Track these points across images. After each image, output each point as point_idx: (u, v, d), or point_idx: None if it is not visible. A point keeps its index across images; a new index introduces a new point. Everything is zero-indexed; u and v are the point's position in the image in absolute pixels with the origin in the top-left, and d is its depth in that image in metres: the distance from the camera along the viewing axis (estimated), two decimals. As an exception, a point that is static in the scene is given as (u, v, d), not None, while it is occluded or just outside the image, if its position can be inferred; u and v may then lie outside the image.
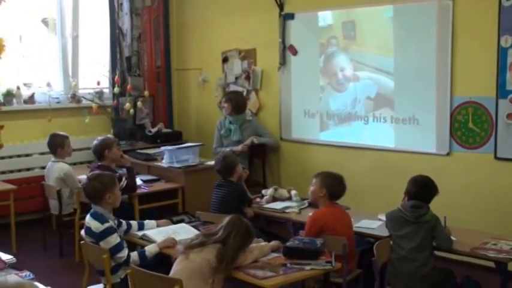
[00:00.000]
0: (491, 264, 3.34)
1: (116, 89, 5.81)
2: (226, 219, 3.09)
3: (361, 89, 5.10)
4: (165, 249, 3.33)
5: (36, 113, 5.65)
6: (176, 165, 5.06)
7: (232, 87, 6.04)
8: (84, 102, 5.94)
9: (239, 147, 5.38)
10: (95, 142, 4.66)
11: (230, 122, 5.54)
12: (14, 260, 2.98)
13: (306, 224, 3.59)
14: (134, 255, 3.27)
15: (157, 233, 3.53)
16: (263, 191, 4.53)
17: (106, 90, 6.18)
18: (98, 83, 6.01)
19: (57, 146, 4.94)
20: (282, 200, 4.40)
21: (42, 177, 5.11)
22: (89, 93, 6.05)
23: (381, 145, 5.01)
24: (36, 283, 1.83)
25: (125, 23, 6.20)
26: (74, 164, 5.18)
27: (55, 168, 4.88)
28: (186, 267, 2.92)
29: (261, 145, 5.61)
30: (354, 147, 5.17)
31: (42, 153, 5.49)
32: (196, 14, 6.39)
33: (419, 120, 4.73)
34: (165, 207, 4.79)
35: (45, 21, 6.00)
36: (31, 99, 5.68)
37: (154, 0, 6.42)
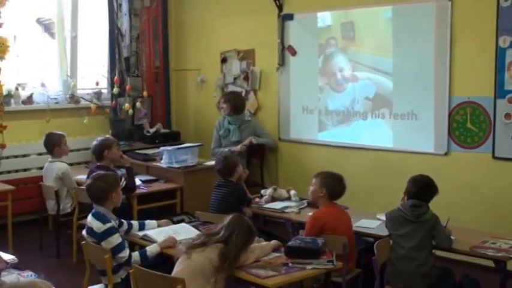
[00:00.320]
0: (490, 264, 3.36)
1: (115, 90, 5.81)
2: (228, 218, 3.10)
3: (359, 90, 5.12)
4: (167, 249, 3.33)
5: (34, 113, 5.63)
6: (175, 165, 5.06)
7: (231, 88, 6.05)
8: (83, 103, 5.93)
9: (237, 148, 5.39)
10: (95, 142, 4.66)
11: (229, 123, 5.55)
12: (16, 260, 2.98)
13: (306, 223, 3.61)
14: (136, 255, 3.28)
15: (158, 233, 3.53)
16: (262, 191, 4.54)
17: (104, 91, 6.18)
18: (97, 84, 6.01)
19: (54, 144, 4.93)
20: (281, 200, 4.42)
21: (40, 178, 5.09)
22: (87, 94, 6.05)
23: (379, 145, 5.03)
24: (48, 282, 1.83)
25: (124, 23, 6.21)
26: (71, 164, 5.17)
27: (53, 168, 4.87)
28: (188, 267, 2.92)
29: (259, 145, 5.62)
30: (352, 147, 5.19)
31: (40, 154, 5.47)
32: (195, 15, 6.40)
33: (418, 120, 4.75)
34: (164, 208, 4.79)
35: (40, 21, 5.98)
36: (29, 99, 5.67)
37: (153, 0, 6.42)
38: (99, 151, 4.58)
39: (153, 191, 4.87)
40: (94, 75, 6.17)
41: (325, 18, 5.33)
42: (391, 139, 4.96)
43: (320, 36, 5.35)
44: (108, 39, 6.13)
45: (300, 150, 5.61)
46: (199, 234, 3.21)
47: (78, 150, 5.72)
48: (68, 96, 5.93)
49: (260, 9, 5.72)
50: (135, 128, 6.17)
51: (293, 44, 5.54)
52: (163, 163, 5.20)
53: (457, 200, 4.46)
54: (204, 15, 6.30)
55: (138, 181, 4.86)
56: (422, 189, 3.44)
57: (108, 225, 3.27)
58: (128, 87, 5.89)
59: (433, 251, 3.43)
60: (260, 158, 5.77)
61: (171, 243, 3.34)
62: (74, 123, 5.79)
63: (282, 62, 5.61)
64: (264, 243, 3.25)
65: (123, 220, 3.58)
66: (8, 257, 2.99)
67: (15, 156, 5.51)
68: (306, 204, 4.23)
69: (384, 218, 3.68)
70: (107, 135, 5.17)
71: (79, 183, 4.87)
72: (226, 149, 5.31)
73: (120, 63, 6.18)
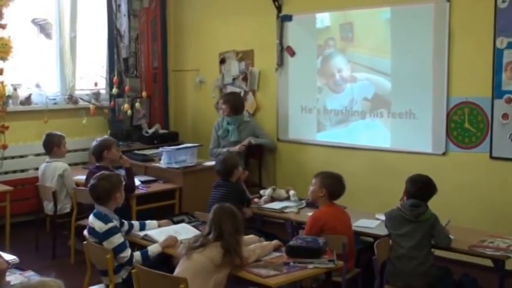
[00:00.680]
0: (489, 264, 3.38)
1: (114, 90, 5.81)
2: (210, 215, 3.10)
3: (358, 90, 5.15)
4: (168, 249, 3.34)
5: (33, 114, 5.61)
6: (174, 165, 5.06)
7: (230, 88, 6.06)
8: (81, 104, 5.93)
9: (236, 148, 5.40)
10: (94, 143, 4.66)
11: (228, 123, 5.56)
12: (17, 260, 2.98)
13: (306, 223, 3.63)
14: (137, 255, 3.29)
15: (159, 233, 3.54)
16: (261, 191, 4.55)
17: (103, 91, 6.18)
18: (96, 84, 6.01)
19: (54, 145, 4.93)
20: (280, 200, 4.43)
21: (37, 179, 5.08)
22: (86, 94, 6.04)
23: (377, 145, 5.05)
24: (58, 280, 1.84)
25: (123, 24, 6.21)
26: (69, 165, 5.17)
27: (53, 168, 4.87)
28: (189, 267, 2.94)
29: (257, 146, 5.63)
30: (350, 148, 5.21)
31: (38, 155, 5.47)
32: (193, 15, 6.41)
33: (416, 120, 4.78)
34: (163, 208, 4.79)
35: (35, 22, 5.96)
36: (27, 100, 5.66)
37: (151, 1, 6.43)
38: (99, 152, 4.59)
39: (152, 191, 4.87)
40: (93, 75, 6.16)
41: (324, 19, 5.35)
42: (389, 139, 4.98)
43: (319, 37, 5.37)
44: (107, 40, 6.13)
45: (299, 151, 5.62)
46: (196, 236, 3.19)
47: (75, 150, 5.71)
48: (66, 96, 5.93)
49: (259, 10, 5.74)
50: (134, 129, 6.17)
51: (292, 44, 5.56)
52: (162, 163, 5.19)
53: (455, 200, 4.49)
54: (203, 16, 6.31)
55: (137, 181, 4.86)
56: (421, 189, 3.46)
57: (110, 225, 3.28)
58: (126, 87, 5.90)
59: (432, 250, 3.45)
60: (258, 158, 5.79)
61: (172, 242, 3.35)
62: (72, 124, 5.77)
63: (281, 63, 5.63)
64: (265, 242, 3.27)
65: (124, 220, 3.58)
66: (9, 257, 2.98)
67: (13, 157, 5.49)
68: (305, 204, 4.25)
69: (382, 217, 3.70)
70: (106, 136, 5.18)
71: (77, 184, 4.87)
72: (225, 150, 5.32)
73: (118, 64, 6.19)
